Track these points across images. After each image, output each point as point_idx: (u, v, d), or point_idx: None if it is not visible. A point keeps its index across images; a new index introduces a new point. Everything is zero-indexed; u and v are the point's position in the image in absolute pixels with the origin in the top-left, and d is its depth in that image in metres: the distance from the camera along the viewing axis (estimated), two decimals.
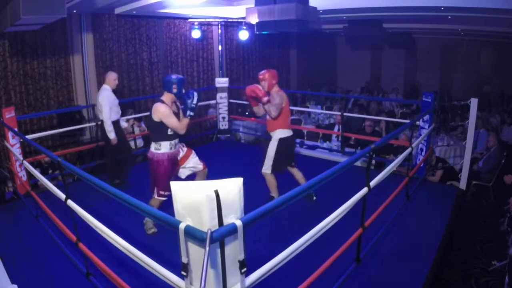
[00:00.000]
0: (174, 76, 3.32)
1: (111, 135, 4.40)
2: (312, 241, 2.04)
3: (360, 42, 11.80)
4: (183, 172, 3.63)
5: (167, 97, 3.34)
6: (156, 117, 3.26)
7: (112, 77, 4.48)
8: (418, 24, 8.93)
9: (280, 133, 3.93)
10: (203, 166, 3.68)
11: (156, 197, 3.34)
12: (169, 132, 3.30)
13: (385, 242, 3.18)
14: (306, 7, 4.29)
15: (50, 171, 5.35)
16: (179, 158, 3.51)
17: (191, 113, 3.28)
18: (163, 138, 3.31)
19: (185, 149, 3.59)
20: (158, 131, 3.29)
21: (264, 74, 3.81)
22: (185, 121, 3.30)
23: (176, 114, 3.34)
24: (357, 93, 12.67)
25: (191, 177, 3.67)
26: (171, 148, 3.36)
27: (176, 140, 3.41)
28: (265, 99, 3.70)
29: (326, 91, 12.14)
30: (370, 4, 6.06)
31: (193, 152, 3.66)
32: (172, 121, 3.26)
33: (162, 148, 3.32)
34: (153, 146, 3.35)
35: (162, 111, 3.24)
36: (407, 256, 3.13)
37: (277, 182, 3.96)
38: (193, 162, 3.61)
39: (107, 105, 4.32)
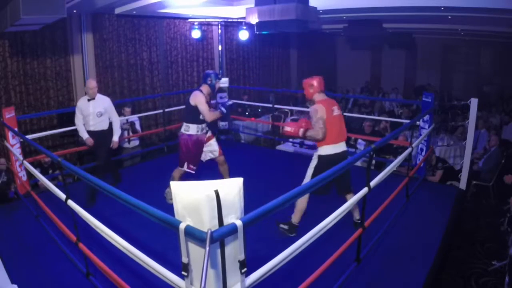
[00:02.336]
0: (211, 71, 4.05)
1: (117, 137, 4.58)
2: (312, 241, 2.04)
3: (360, 42, 11.79)
4: (204, 156, 4.20)
5: (204, 88, 4.00)
6: (193, 102, 3.89)
7: (86, 86, 4.41)
8: (418, 24, 8.92)
9: (321, 150, 3.37)
10: (219, 152, 4.22)
11: (179, 167, 4.03)
12: (200, 117, 3.92)
13: (385, 242, 3.18)
14: (306, 7, 4.29)
15: (50, 171, 5.34)
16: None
17: (223, 109, 3.99)
18: (194, 121, 3.94)
19: (209, 134, 4.19)
20: (192, 114, 3.94)
21: (303, 83, 3.50)
22: (216, 113, 3.97)
23: (208, 104, 3.98)
24: (357, 93, 12.67)
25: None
26: (198, 131, 3.98)
27: (204, 125, 4.02)
28: (300, 133, 3.36)
29: None
30: (370, 4, 6.06)
31: (214, 138, 4.26)
32: (204, 108, 3.87)
33: (190, 130, 3.97)
34: (183, 128, 4.01)
35: (199, 98, 3.89)
36: (407, 256, 3.13)
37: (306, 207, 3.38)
38: (212, 146, 4.19)
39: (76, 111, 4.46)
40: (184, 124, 4.00)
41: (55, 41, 6.43)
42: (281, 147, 6.71)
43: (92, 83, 4.34)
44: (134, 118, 6.15)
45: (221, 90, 6.58)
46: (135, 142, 6.16)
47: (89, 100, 4.34)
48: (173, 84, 8.58)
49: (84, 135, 4.42)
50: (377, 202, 2.99)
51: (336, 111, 3.38)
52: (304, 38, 11.81)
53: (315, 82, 3.38)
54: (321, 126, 3.24)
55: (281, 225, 3.47)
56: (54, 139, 6.55)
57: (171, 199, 3.69)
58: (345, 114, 5.90)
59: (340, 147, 3.38)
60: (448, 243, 3.52)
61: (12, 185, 4.79)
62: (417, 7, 5.86)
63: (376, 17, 7.74)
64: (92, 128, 4.41)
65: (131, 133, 5.99)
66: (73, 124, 4.48)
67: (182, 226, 1.48)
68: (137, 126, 6.22)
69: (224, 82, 6.58)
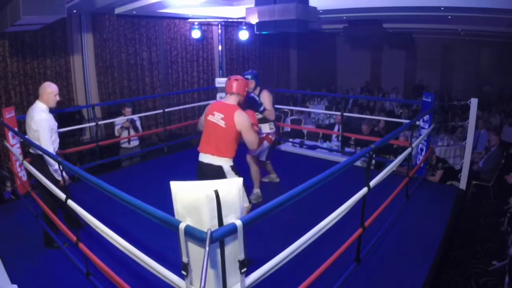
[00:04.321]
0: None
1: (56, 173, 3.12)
2: (312, 241, 2.03)
3: (360, 42, 11.81)
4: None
5: None
6: None
7: (51, 91, 3.25)
8: (418, 24, 8.93)
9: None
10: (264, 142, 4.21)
11: None
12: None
13: (385, 242, 3.18)
14: (306, 7, 4.29)
15: None
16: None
17: None
18: None
19: (262, 135, 4.12)
20: None
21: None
22: None
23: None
24: (357, 93, 12.68)
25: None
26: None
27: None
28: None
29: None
30: (370, 4, 6.07)
31: (265, 142, 4.22)
32: None
33: None
34: None
35: None
36: (407, 256, 3.13)
37: None
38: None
39: (46, 132, 3.11)
40: None
41: (55, 41, 6.43)
42: (281, 147, 6.70)
43: (56, 87, 3.29)
44: (135, 117, 6.16)
45: (221, 90, 6.59)
46: (135, 142, 6.15)
47: (50, 111, 3.27)
48: (173, 84, 8.58)
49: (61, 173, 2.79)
50: (377, 202, 2.99)
51: (218, 119, 2.91)
52: (304, 38, 11.81)
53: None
54: (201, 120, 3.14)
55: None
56: None
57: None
58: (345, 114, 5.91)
59: (204, 157, 3.00)
60: (448, 243, 3.52)
61: (7, 185, 4.78)
62: (417, 7, 5.87)
63: (376, 17, 7.74)
64: (55, 147, 3.29)
65: (132, 132, 5.99)
66: (73, 124, 4.36)
67: (182, 226, 1.48)
68: (138, 125, 6.22)
69: (223, 82, 6.58)
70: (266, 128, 4.25)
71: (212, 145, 2.96)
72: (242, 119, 2.87)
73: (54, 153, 3.11)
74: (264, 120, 4.18)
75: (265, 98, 4.09)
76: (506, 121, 8.10)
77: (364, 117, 6.88)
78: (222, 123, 2.91)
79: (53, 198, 2.90)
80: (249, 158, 4.19)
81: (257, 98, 3.77)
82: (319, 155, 5.95)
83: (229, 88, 3.02)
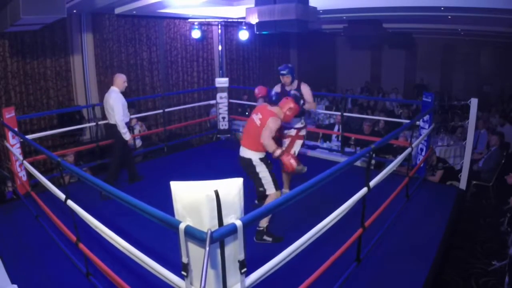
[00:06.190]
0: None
1: (127, 136, 4.45)
2: (312, 241, 2.04)
3: (360, 42, 11.79)
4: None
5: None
6: None
7: (121, 79, 4.47)
8: (418, 24, 8.93)
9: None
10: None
11: None
12: None
13: (385, 242, 3.18)
14: (306, 7, 4.29)
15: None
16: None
17: None
18: None
19: (291, 132, 4.24)
20: None
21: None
22: None
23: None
24: (357, 93, 12.67)
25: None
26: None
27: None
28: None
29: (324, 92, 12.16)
30: (370, 4, 6.06)
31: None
32: None
33: None
34: None
35: None
36: (407, 256, 3.13)
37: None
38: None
39: (119, 106, 4.35)
40: None
41: (55, 41, 6.43)
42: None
43: (124, 76, 4.48)
44: (138, 120, 6.29)
45: (221, 90, 6.58)
46: (139, 142, 6.21)
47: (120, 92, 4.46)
48: (173, 84, 8.58)
49: (128, 136, 4.46)
50: (377, 202, 2.99)
51: (256, 116, 3.38)
52: (304, 38, 11.80)
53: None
54: None
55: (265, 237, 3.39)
56: (54, 139, 6.55)
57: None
58: (345, 114, 5.90)
59: (241, 151, 3.46)
60: (448, 243, 3.52)
61: (8, 185, 4.78)
62: (417, 7, 5.86)
63: (376, 17, 7.74)
64: (127, 118, 4.52)
65: (136, 131, 6.03)
66: (73, 124, 4.45)
67: (182, 226, 1.48)
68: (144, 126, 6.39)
69: (224, 82, 6.58)
70: (298, 123, 4.21)
71: (248, 141, 3.40)
72: (271, 122, 3.26)
73: (125, 122, 4.39)
74: (298, 115, 4.16)
75: (307, 91, 4.17)
76: (498, 122, 8.10)
77: (364, 117, 6.87)
78: (258, 122, 3.35)
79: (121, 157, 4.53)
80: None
81: (298, 95, 3.81)
82: (319, 155, 5.94)
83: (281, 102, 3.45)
